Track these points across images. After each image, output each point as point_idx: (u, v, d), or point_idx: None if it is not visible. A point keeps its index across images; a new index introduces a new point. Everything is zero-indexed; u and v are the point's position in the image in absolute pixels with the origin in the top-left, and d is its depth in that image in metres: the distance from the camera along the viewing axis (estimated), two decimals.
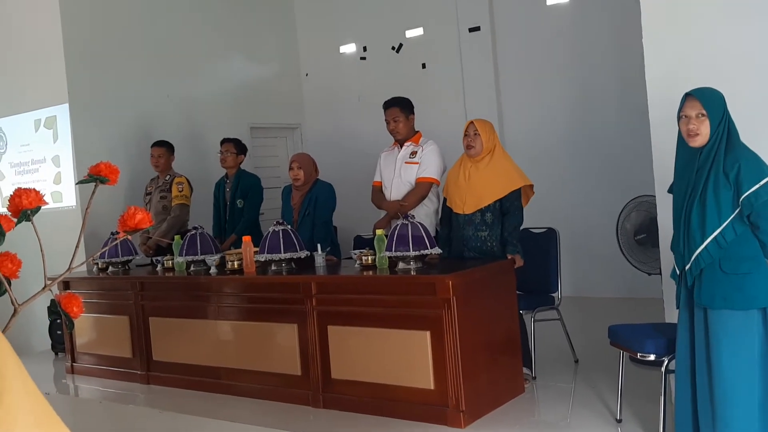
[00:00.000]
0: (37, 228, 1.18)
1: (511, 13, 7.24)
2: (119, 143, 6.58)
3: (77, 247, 1.17)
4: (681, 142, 2.98)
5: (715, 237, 2.81)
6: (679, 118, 2.95)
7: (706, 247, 2.83)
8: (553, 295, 4.73)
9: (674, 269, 3.07)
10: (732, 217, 2.79)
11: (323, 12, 8.49)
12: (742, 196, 2.75)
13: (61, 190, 6.65)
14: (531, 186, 4.34)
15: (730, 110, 2.88)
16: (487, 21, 7.30)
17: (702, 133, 2.86)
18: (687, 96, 2.92)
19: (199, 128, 7.35)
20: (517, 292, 4.29)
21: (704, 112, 2.85)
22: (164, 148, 6.12)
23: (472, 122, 4.32)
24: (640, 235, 4.50)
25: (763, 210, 2.73)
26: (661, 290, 3.78)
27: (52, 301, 1.14)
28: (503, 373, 4.07)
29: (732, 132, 2.85)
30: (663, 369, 3.28)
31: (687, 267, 2.93)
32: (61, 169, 6.66)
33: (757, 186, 2.73)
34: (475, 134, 4.26)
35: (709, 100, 2.86)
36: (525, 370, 4.31)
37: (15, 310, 1.03)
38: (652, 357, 3.34)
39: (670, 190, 3.12)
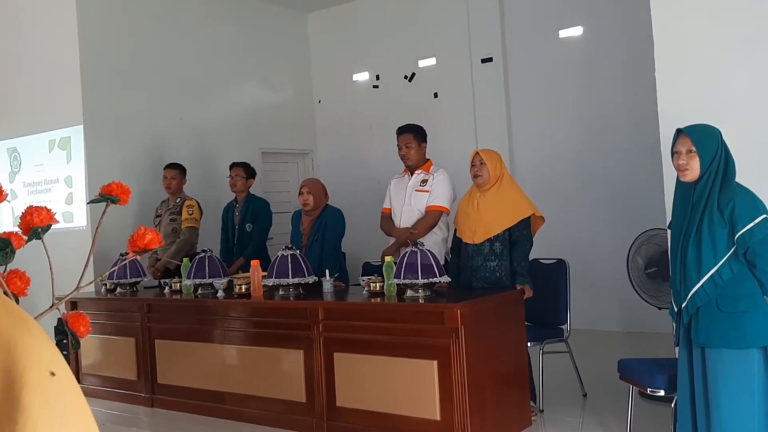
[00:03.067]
0: (48, 248, 1.18)
1: (524, 44, 7.28)
2: (131, 165, 6.63)
3: (86, 266, 1.17)
4: (678, 179, 2.98)
5: (712, 276, 2.78)
6: (672, 154, 2.95)
7: (702, 285, 2.80)
8: (561, 327, 4.68)
9: (672, 306, 3.03)
10: (728, 255, 2.76)
11: (337, 40, 8.58)
12: (737, 234, 2.72)
13: (72, 210, 6.69)
14: (541, 217, 4.31)
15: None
16: (499, 52, 7.35)
17: (692, 168, 2.85)
18: (678, 132, 2.93)
19: (211, 152, 7.39)
20: (526, 323, 4.25)
21: (693, 148, 2.84)
22: (177, 170, 6.16)
23: (477, 152, 4.33)
24: (650, 269, 4.46)
25: (759, 248, 2.71)
26: (671, 325, 3.73)
27: (59, 320, 1.13)
28: (511, 405, 4.02)
29: (729, 169, 2.83)
30: (673, 405, 3.23)
31: (683, 305, 2.90)
32: (73, 189, 6.70)
33: (751, 224, 2.71)
34: (482, 164, 4.26)
35: (699, 137, 2.85)
36: (530, 404, 4.25)
37: None
38: (661, 392, 3.30)
39: (669, 226, 3.10)
